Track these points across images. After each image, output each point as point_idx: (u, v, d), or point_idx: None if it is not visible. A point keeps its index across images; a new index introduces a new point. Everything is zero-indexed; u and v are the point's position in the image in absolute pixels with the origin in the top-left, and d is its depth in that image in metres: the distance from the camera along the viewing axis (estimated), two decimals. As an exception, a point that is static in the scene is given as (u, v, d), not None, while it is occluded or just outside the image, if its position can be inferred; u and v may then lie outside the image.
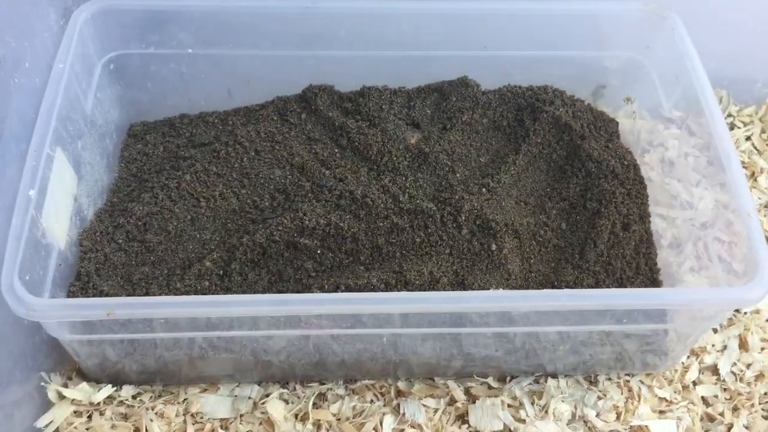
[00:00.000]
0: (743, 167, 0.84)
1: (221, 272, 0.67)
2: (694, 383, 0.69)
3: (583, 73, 0.83)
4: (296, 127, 0.79)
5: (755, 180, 0.83)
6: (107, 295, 0.63)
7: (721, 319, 0.70)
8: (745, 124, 0.88)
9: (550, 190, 0.76)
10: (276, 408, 0.64)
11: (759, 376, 0.69)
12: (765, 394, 0.69)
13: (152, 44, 0.75)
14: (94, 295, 0.63)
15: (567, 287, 0.68)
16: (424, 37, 0.78)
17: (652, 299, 0.57)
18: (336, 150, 0.77)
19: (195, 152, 0.76)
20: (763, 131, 0.87)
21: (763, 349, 0.71)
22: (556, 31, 0.79)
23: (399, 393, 0.67)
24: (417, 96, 0.81)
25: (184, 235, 0.70)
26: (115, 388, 0.65)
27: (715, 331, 0.72)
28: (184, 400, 0.66)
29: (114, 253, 0.67)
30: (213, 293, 0.65)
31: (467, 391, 0.67)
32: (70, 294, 0.62)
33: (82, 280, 0.65)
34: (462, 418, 0.66)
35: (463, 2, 0.77)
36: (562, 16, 0.78)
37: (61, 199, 0.63)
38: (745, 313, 0.73)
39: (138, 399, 0.65)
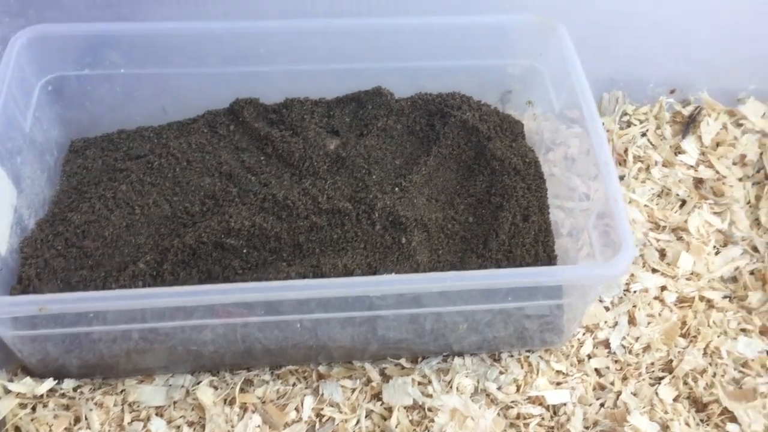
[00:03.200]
0: (639, 161, 0.93)
1: (154, 273, 0.73)
2: (589, 356, 0.77)
3: (489, 79, 0.90)
4: (225, 138, 0.85)
5: (649, 172, 0.91)
6: (46, 296, 0.68)
7: (597, 294, 0.77)
8: (640, 122, 0.96)
9: (459, 187, 0.83)
10: (206, 394, 0.71)
11: (646, 348, 0.77)
12: (651, 363, 0.76)
13: (87, 66, 0.81)
14: (33, 297, 0.69)
15: (470, 273, 0.76)
16: (339, 51, 0.85)
17: (523, 277, 0.64)
18: (262, 158, 0.84)
19: (131, 164, 0.82)
20: (657, 127, 0.95)
21: (649, 323, 0.78)
22: (462, 42, 0.86)
23: (320, 376, 0.74)
24: (336, 106, 0.88)
25: (119, 241, 0.76)
26: (56, 382, 0.71)
27: (607, 309, 0.79)
28: (122, 390, 0.72)
29: (53, 259, 0.73)
30: (146, 292, 0.71)
31: (382, 372, 0.74)
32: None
33: (23, 284, 0.71)
34: (377, 396, 0.72)
35: (374, 18, 0.85)
36: (466, 29, 0.85)
37: (1, 210, 0.69)
38: (634, 292, 0.81)
39: (78, 391, 0.71)
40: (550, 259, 0.78)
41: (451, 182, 0.84)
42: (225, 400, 0.71)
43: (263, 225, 0.75)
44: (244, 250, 0.75)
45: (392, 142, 0.86)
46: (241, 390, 0.72)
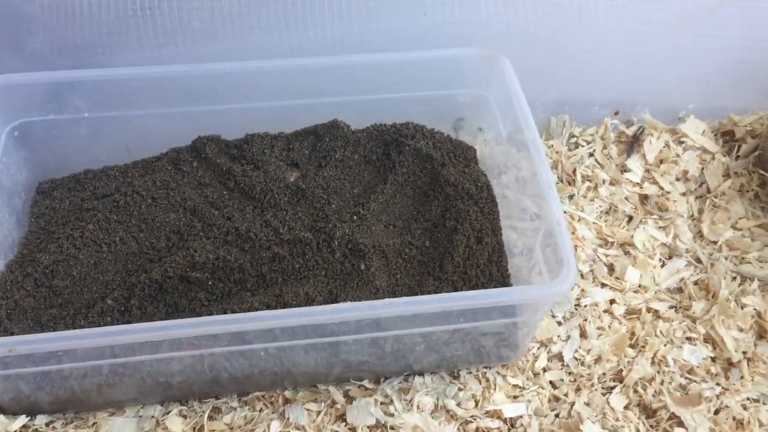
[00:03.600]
0: (587, 180, 0.97)
1: (122, 308, 0.76)
2: (544, 370, 0.80)
3: (442, 108, 0.94)
4: (188, 174, 0.89)
5: (597, 190, 0.95)
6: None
7: (546, 311, 0.81)
8: (588, 143, 1.00)
9: (415, 213, 0.87)
10: (175, 423, 0.73)
11: (597, 360, 0.81)
12: (603, 374, 0.80)
13: (51, 111, 0.84)
14: (4, 337, 0.71)
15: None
16: (297, 87, 0.89)
17: (467, 300, 0.67)
18: (225, 192, 0.87)
19: (97, 203, 0.85)
20: (604, 148, 1.00)
21: (599, 335, 0.82)
22: (413, 75, 0.90)
23: (286, 401, 0.77)
24: (295, 139, 0.92)
25: (88, 278, 0.79)
26: (29, 419, 0.73)
27: (559, 323, 0.83)
28: (94, 424, 0.74)
29: (23, 299, 0.76)
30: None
31: (346, 394, 0.77)
32: (-17, 338, 0.71)
33: (-5, 325, 0.73)
34: (341, 417, 0.75)
35: (329, 57, 0.89)
36: (417, 63, 0.89)
37: (-29, 255, 0.72)
38: (585, 306, 0.85)
39: (51, 426, 0.73)
40: (503, 279, 0.82)
41: (407, 208, 0.87)
42: (194, 429, 0.74)
43: (227, 257, 0.78)
44: (210, 283, 0.78)
45: (350, 172, 0.90)
46: (210, 418, 0.74)
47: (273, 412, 0.75)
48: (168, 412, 0.75)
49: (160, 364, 0.72)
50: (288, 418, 0.74)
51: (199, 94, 0.87)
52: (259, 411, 0.75)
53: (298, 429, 0.74)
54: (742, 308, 0.84)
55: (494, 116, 0.89)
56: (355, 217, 0.84)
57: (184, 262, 0.77)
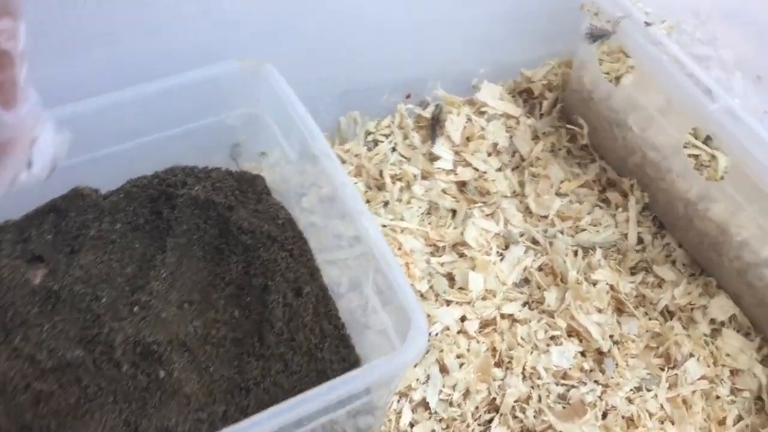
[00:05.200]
0: (398, 180, 0.85)
1: None
2: (411, 425, 0.68)
3: (213, 139, 0.77)
4: None
5: (410, 189, 0.83)
6: None
7: (401, 377, 0.68)
8: (386, 137, 0.87)
9: (212, 278, 0.70)
10: None
11: (466, 394, 0.70)
12: (476, 408, 0.69)
13: None
14: None
15: (255, 384, 0.63)
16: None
17: (315, 398, 0.52)
18: (-55, 324, 0.64)
19: None
20: (405, 138, 0.88)
21: (461, 365, 0.71)
22: (167, 109, 0.72)
23: None
24: (29, 225, 0.69)
25: None
26: None
27: (415, 365, 0.71)
28: None
29: None
30: None
31: None
32: None
33: None
34: None
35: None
36: (168, 92, 0.71)
37: None
38: (436, 334, 0.73)
39: None
40: (338, 330, 0.69)
41: (200, 275, 0.70)
42: None
43: (-33, 420, 0.57)
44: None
45: (116, 248, 0.70)
46: None
47: None
48: None
49: None
50: None
51: None
52: None
53: None
54: (594, 285, 0.77)
55: (274, 135, 0.74)
56: (136, 308, 0.65)
57: None
